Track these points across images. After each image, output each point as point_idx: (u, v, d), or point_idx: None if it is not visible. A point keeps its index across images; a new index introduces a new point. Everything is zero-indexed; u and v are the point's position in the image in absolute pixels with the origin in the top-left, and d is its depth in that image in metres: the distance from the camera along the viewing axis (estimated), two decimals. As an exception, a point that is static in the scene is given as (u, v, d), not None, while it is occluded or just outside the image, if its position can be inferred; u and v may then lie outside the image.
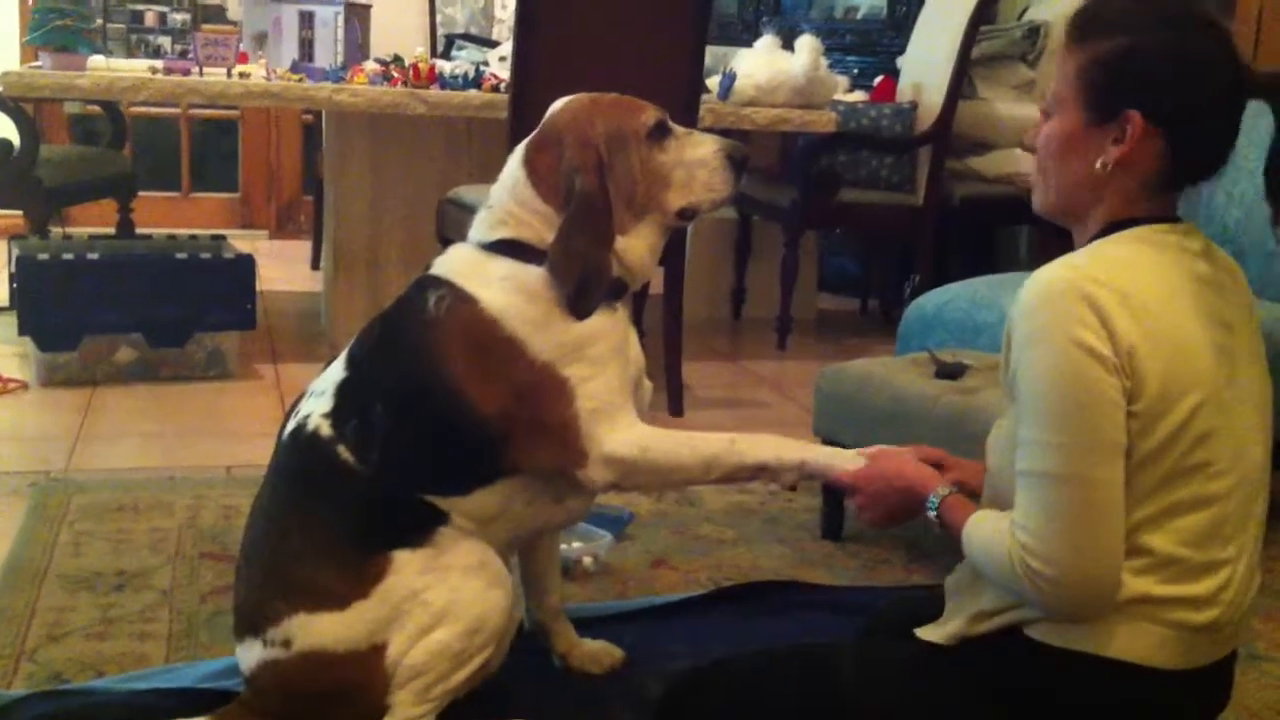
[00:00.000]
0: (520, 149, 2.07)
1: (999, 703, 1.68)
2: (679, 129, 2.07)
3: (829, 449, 2.01)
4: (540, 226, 2.00)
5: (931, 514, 1.77)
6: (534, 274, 1.96)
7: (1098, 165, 1.68)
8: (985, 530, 1.68)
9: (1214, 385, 1.61)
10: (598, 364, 1.95)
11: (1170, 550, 1.61)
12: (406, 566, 1.90)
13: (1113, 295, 1.57)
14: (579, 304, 1.94)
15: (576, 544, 2.80)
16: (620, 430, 1.93)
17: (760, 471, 1.98)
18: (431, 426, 1.92)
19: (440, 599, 1.90)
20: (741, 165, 2.06)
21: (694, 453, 1.95)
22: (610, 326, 1.99)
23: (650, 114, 2.04)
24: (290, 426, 1.99)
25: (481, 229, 2.05)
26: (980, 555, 1.68)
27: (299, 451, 1.96)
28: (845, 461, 1.94)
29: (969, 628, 1.73)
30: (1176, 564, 1.61)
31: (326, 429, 1.94)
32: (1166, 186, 1.70)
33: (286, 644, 1.89)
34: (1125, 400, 1.56)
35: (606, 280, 1.98)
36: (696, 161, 2.04)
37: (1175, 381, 1.58)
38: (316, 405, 1.97)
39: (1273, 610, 2.76)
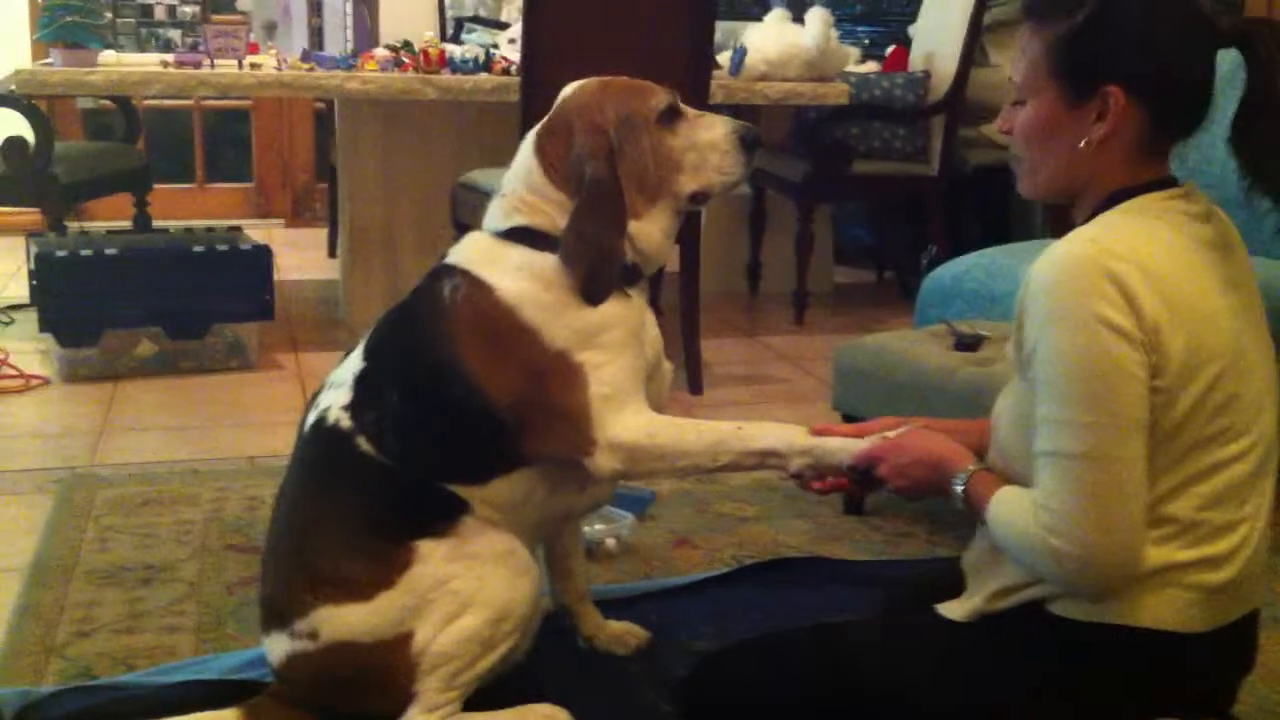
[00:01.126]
0: (531, 136, 2.06)
1: (1023, 678, 1.68)
2: (690, 111, 2.06)
3: (837, 440, 1.94)
4: (554, 213, 1.99)
5: (959, 489, 1.74)
6: (549, 261, 1.96)
7: (1082, 145, 1.66)
8: (1009, 509, 1.66)
9: (1232, 352, 1.61)
10: (611, 350, 1.95)
11: (1192, 515, 1.61)
12: (432, 555, 1.90)
13: (1135, 270, 1.55)
14: (592, 290, 1.94)
15: (599, 525, 2.80)
16: (628, 417, 1.93)
17: (767, 458, 1.95)
18: (449, 416, 1.92)
19: (467, 587, 1.91)
20: (753, 146, 2.05)
21: (700, 438, 1.94)
22: (625, 313, 1.99)
23: (661, 97, 2.03)
24: (311, 419, 2.00)
25: (495, 217, 2.05)
26: (1004, 534, 1.67)
27: (320, 444, 1.97)
28: (855, 446, 1.90)
29: (988, 605, 1.73)
30: (1198, 527, 1.62)
31: (346, 421, 1.94)
32: (1155, 149, 1.68)
33: (314, 636, 1.90)
34: (1149, 376, 1.55)
35: (619, 266, 1.97)
36: (708, 144, 2.03)
37: (1197, 354, 1.57)
38: (335, 397, 1.98)
39: (1297, 573, 2.75)
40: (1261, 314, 1.71)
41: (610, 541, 2.79)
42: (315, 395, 2.05)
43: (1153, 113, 1.64)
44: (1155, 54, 1.63)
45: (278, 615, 1.95)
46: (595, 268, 1.94)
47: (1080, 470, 1.56)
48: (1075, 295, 1.55)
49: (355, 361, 2.01)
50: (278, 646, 1.96)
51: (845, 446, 1.91)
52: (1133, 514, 1.57)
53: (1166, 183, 1.69)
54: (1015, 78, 1.73)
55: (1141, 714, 1.66)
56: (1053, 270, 1.59)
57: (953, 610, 1.78)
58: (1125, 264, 1.55)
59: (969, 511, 1.74)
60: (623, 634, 2.32)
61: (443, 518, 1.93)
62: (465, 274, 1.97)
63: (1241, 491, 1.64)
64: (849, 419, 2.79)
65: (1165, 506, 1.61)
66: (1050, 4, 1.67)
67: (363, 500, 1.92)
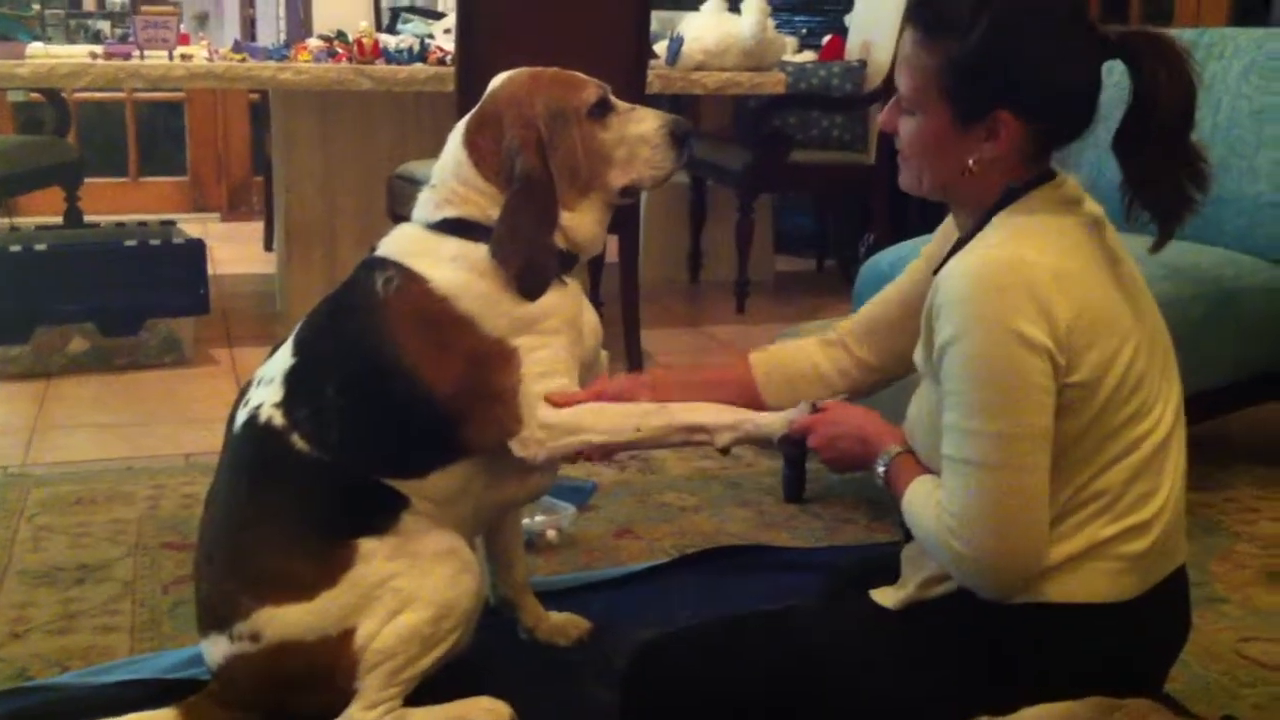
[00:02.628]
0: (460, 128, 2.05)
1: (961, 659, 1.69)
2: (621, 105, 2.06)
3: (766, 414, 1.97)
4: (485, 204, 1.98)
5: (880, 469, 1.77)
6: (482, 252, 1.94)
7: (971, 163, 1.68)
8: (920, 504, 1.68)
9: (1136, 330, 1.64)
10: (547, 335, 1.95)
11: (1119, 488, 1.64)
12: (374, 554, 1.89)
13: (1047, 275, 1.57)
14: (527, 286, 1.93)
15: (540, 516, 2.79)
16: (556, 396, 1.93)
17: (694, 432, 1.95)
18: (387, 410, 1.91)
19: (409, 585, 1.89)
20: (684, 141, 2.05)
21: (624, 413, 1.94)
22: (561, 301, 1.98)
23: (591, 91, 2.02)
24: (241, 417, 1.97)
25: (426, 208, 2.03)
26: (914, 525, 1.70)
27: (253, 443, 1.94)
28: (786, 417, 1.92)
29: (920, 592, 1.75)
30: (1125, 497, 1.64)
31: (279, 418, 1.92)
32: (1042, 153, 1.70)
33: (255, 638, 1.88)
34: (1059, 381, 1.58)
35: (552, 260, 1.97)
36: (638, 138, 2.03)
37: (1107, 344, 1.60)
38: (266, 394, 1.95)
39: (1228, 552, 2.80)
40: (1140, 278, 1.74)
41: (551, 533, 2.78)
42: (243, 392, 2.02)
43: (1041, 129, 1.67)
44: (1045, 79, 1.63)
45: (215, 617, 1.93)
46: (529, 263, 1.93)
47: (981, 479, 1.58)
48: (989, 306, 1.57)
49: (285, 357, 1.98)
50: (216, 648, 1.93)
51: (778, 418, 1.93)
52: (1033, 522, 1.59)
53: (1047, 175, 1.71)
54: (901, 86, 1.73)
55: (1082, 690, 1.68)
56: (966, 282, 1.59)
57: (886, 597, 1.80)
58: (1038, 270, 1.57)
59: (888, 492, 1.77)
60: (564, 625, 2.32)
61: (382, 514, 1.91)
62: (399, 266, 1.96)
63: (1158, 458, 1.67)
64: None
65: (1094, 484, 1.64)
66: (940, 21, 1.66)
67: (299, 499, 1.90)
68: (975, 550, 1.58)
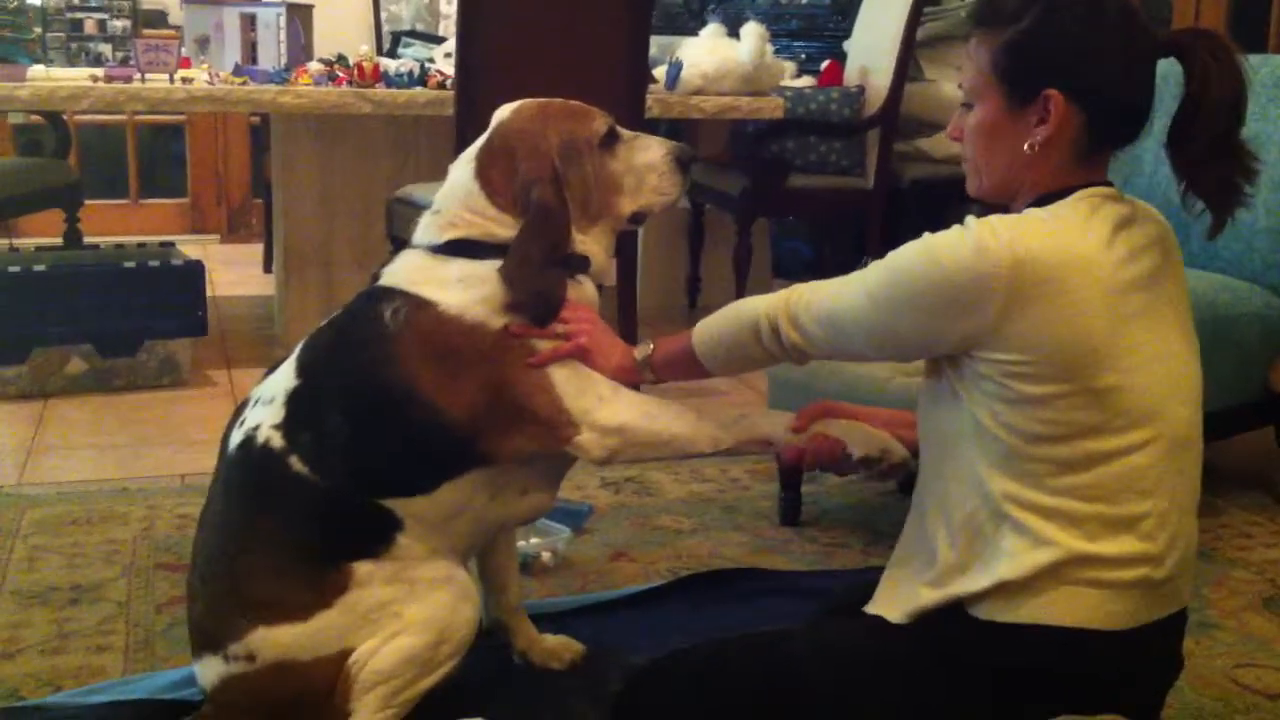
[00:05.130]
0: (470, 158, 2.04)
1: (953, 678, 1.69)
2: (626, 133, 2.08)
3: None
4: (493, 227, 1.99)
5: (643, 355, 2.01)
6: (490, 269, 1.95)
7: (1025, 148, 1.70)
8: (728, 308, 1.92)
9: (1110, 345, 1.62)
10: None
11: (1085, 503, 1.63)
12: (371, 578, 1.89)
13: (1010, 257, 1.60)
14: (535, 311, 1.94)
15: (535, 539, 2.79)
16: (609, 400, 1.96)
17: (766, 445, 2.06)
18: (401, 436, 1.90)
19: (408, 610, 1.90)
20: (688, 166, 2.08)
21: (696, 420, 1.99)
22: (578, 299, 2.01)
23: (600, 122, 2.04)
24: (238, 438, 1.96)
25: (430, 231, 2.02)
26: (720, 326, 1.92)
27: (249, 463, 1.93)
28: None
29: (921, 600, 1.73)
30: (1092, 520, 1.63)
31: (278, 440, 1.91)
32: (1093, 154, 1.72)
33: (251, 658, 1.87)
34: (962, 340, 1.65)
35: (562, 288, 1.98)
36: (645, 166, 2.06)
37: (1074, 345, 1.60)
38: (265, 415, 1.94)
39: (1223, 578, 2.80)
40: (1182, 313, 1.74)
41: (546, 555, 2.78)
42: (239, 411, 2.01)
43: (1091, 117, 1.69)
44: (1093, 60, 1.67)
45: (209, 638, 1.92)
46: (539, 291, 1.95)
47: (849, 319, 1.79)
48: (979, 275, 1.62)
49: (287, 378, 1.97)
50: (210, 670, 1.92)
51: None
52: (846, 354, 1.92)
53: (1097, 184, 1.72)
54: (964, 84, 1.79)
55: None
56: (971, 251, 1.64)
57: (891, 612, 1.78)
58: (1031, 266, 1.59)
59: (662, 370, 2.03)
60: (558, 648, 2.31)
61: (377, 537, 1.91)
62: (405, 295, 1.95)
63: (1138, 484, 1.64)
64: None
65: (1051, 495, 1.63)
66: (995, 12, 1.73)
67: (295, 520, 1.89)
68: (804, 342, 1.84)
